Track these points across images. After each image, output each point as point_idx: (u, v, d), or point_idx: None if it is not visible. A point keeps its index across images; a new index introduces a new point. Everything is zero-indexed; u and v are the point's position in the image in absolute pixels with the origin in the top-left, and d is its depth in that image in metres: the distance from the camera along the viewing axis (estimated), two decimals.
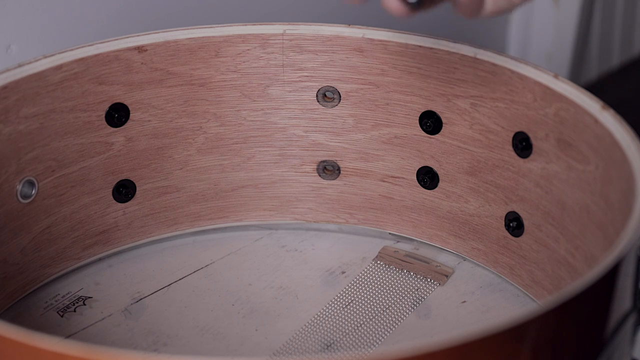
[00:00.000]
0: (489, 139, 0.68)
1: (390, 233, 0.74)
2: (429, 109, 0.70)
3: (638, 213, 0.53)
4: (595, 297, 0.49)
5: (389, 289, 0.69)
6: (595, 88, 1.29)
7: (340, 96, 0.73)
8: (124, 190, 0.71)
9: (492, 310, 0.68)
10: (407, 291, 0.69)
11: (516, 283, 0.69)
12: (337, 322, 0.66)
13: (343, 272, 0.71)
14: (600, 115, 0.60)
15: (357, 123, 0.73)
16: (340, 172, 0.74)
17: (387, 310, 0.67)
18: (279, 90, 0.73)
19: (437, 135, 0.71)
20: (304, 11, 1.01)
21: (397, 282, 0.70)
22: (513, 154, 0.67)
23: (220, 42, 0.71)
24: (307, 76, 0.72)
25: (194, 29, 0.71)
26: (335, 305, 0.68)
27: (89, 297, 0.68)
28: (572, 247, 0.64)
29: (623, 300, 0.52)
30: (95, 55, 0.67)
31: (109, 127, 0.69)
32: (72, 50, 0.67)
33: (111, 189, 0.71)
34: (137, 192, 0.72)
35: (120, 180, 0.71)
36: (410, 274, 0.71)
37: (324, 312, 0.67)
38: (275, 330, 0.66)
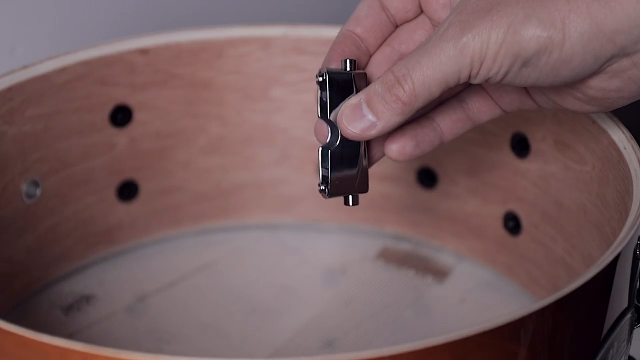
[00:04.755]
0: (487, 139, 0.69)
1: (390, 233, 0.74)
2: None
3: (634, 213, 0.53)
4: (592, 296, 0.50)
5: (388, 288, 0.70)
6: None
7: None
8: (128, 191, 0.71)
9: (491, 308, 0.68)
10: (406, 290, 0.70)
11: (514, 282, 0.69)
12: (338, 320, 0.67)
13: (343, 271, 0.72)
14: (597, 116, 0.61)
15: None
16: None
17: (387, 309, 0.68)
18: (280, 92, 0.73)
19: None
20: (305, 13, 1.01)
21: (396, 280, 0.70)
22: (511, 154, 0.68)
23: (222, 44, 0.71)
24: (308, 77, 0.72)
25: (196, 31, 0.71)
26: (336, 304, 0.68)
27: (93, 296, 0.69)
28: (570, 246, 0.64)
29: (620, 298, 0.52)
30: (99, 57, 0.68)
31: (112, 128, 0.70)
32: (76, 52, 0.67)
33: (115, 189, 0.71)
34: (140, 192, 0.72)
35: (124, 181, 0.71)
36: (409, 273, 0.71)
37: (325, 311, 0.68)
38: (277, 328, 0.66)
